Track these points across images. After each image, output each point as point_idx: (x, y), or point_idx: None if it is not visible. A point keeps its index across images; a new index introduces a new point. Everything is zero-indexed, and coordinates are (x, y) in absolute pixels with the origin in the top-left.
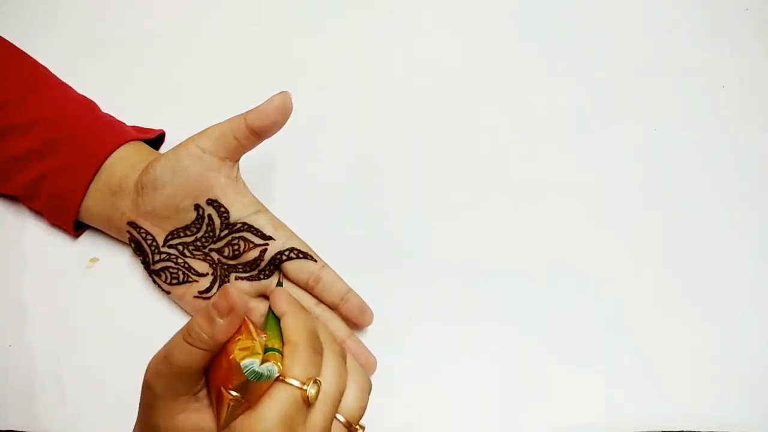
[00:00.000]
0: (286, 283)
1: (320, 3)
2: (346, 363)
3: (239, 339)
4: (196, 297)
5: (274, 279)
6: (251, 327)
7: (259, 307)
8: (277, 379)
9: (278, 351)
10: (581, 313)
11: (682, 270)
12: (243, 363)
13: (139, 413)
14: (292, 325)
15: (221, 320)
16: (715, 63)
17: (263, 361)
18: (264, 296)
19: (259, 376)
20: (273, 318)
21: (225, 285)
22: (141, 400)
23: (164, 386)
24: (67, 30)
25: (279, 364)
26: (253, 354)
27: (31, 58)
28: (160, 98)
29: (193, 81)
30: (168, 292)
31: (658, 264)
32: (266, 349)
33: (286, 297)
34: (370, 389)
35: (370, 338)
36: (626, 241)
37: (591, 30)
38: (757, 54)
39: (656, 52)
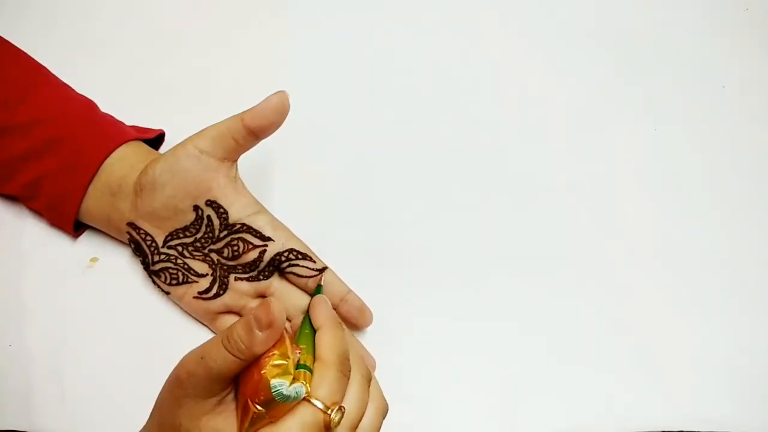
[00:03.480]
0: (285, 284)
1: (320, 3)
2: (369, 386)
3: (274, 353)
4: (195, 297)
5: (274, 280)
6: (287, 342)
7: None
8: (303, 398)
9: (309, 369)
10: (581, 314)
11: (682, 270)
12: (273, 383)
13: (157, 407)
14: (326, 342)
15: (260, 333)
16: (715, 63)
17: (293, 381)
18: (264, 296)
19: (286, 398)
20: (309, 326)
21: (268, 298)
22: (166, 394)
23: (195, 386)
24: (67, 30)
25: (307, 384)
26: (285, 374)
27: (31, 58)
28: (160, 98)
29: (193, 81)
30: (168, 293)
31: (658, 264)
32: (297, 365)
33: (326, 310)
34: (386, 413)
35: (370, 338)
36: (626, 240)
37: (591, 30)
38: (757, 54)
39: (656, 52)
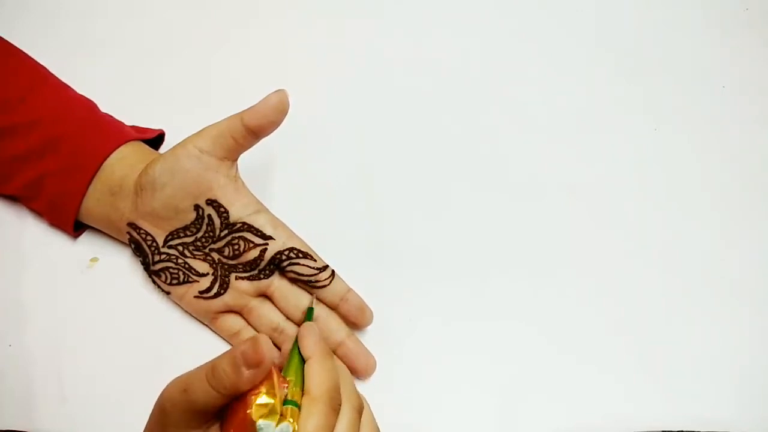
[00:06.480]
0: (285, 283)
1: (320, 3)
2: (361, 417)
3: (260, 391)
4: (196, 297)
5: (274, 278)
6: (275, 377)
7: (259, 307)
8: None
9: (296, 405)
10: (581, 314)
11: (682, 270)
12: (258, 424)
13: (147, 429)
14: (315, 375)
15: (247, 371)
16: (715, 63)
17: (279, 419)
18: (264, 295)
19: None
20: (298, 355)
21: (257, 335)
22: (153, 419)
23: (179, 417)
24: (67, 30)
25: (294, 423)
26: (271, 414)
27: (31, 58)
28: (160, 98)
29: (193, 81)
30: (168, 293)
31: (658, 264)
32: (285, 401)
33: (315, 339)
34: None
35: (370, 338)
36: (627, 241)
37: (591, 30)
38: (757, 54)
39: (656, 52)
